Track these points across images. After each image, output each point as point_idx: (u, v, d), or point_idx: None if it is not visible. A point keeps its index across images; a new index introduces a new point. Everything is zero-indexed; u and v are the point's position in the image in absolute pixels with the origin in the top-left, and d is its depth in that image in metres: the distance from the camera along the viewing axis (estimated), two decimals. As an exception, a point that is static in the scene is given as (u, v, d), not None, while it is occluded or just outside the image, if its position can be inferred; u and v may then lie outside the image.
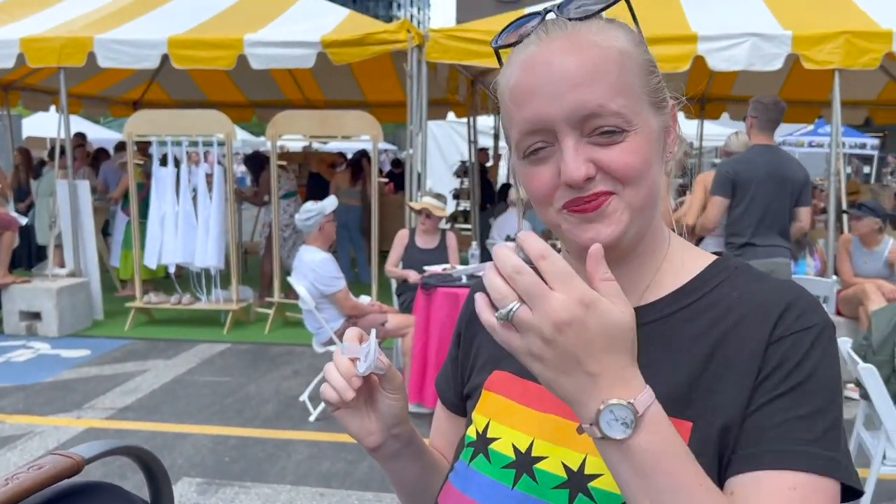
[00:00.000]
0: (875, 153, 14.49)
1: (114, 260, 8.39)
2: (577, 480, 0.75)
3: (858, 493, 0.70)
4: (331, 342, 4.57)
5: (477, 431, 0.83)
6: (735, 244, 4.32)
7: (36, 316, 6.49)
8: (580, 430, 0.63)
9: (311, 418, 4.50)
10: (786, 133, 14.73)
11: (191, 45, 6.33)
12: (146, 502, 0.91)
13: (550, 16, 0.76)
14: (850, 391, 4.53)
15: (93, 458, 0.82)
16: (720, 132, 11.82)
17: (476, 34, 5.86)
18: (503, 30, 0.78)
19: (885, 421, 2.80)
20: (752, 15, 6.09)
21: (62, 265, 7.20)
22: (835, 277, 5.36)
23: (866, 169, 16.09)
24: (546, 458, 0.77)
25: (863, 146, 14.42)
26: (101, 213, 8.67)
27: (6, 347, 6.13)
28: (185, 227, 6.64)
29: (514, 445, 0.79)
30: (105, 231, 9.02)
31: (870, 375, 2.80)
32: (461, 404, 0.93)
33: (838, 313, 5.28)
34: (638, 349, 0.64)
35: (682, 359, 0.75)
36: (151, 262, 6.73)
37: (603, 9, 0.75)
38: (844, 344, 3.17)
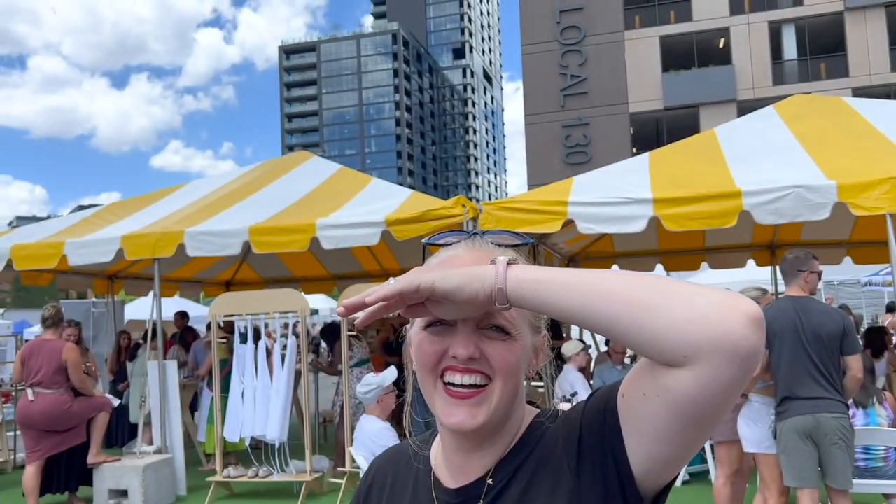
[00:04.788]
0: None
1: (200, 434, 8.75)
2: None
3: None
4: (392, 513, 4.61)
5: None
6: (779, 397, 4.22)
7: (123, 494, 6.78)
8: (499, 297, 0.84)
9: None
10: (871, 273, 14.31)
11: (269, 231, 6.96)
12: None
13: (476, 237, 1.01)
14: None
15: None
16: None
17: (525, 204, 6.24)
18: (437, 235, 1.02)
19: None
20: (795, 168, 6.26)
21: (151, 442, 7.58)
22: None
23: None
24: None
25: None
26: (190, 389, 9.17)
27: (94, 526, 6.39)
28: (262, 400, 6.96)
29: None
30: (193, 406, 9.48)
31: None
32: None
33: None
34: None
35: None
36: (232, 435, 7.01)
37: (515, 246, 1.00)
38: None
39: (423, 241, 1.04)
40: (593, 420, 0.90)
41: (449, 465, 1.01)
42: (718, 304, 0.75)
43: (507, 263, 0.85)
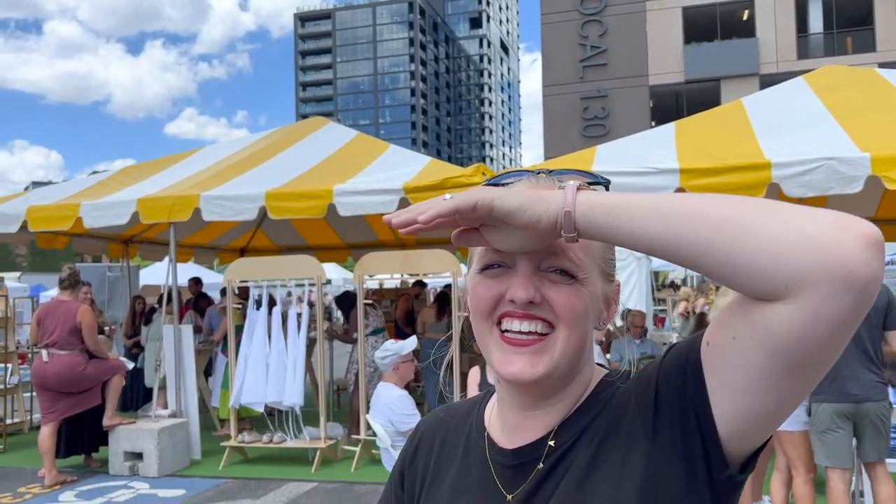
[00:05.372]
0: None
1: (214, 400, 8.76)
2: None
3: None
4: (408, 481, 4.57)
5: None
6: (827, 380, 4.09)
7: (138, 456, 6.80)
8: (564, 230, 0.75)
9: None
10: (894, 252, 14.05)
11: (285, 197, 6.86)
12: None
13: (541, 175, 0.88)
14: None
15: None
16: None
17: (547, 173, 6.09)
18: (500, 175, 0.89)
19: None
20: (827, 140, 6.08)
21: (166, 406, 7.59)
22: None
23: None
24: None
25: None
26: (205, 354, 9.16)
27: (109, 488, 6.42)
28: (278, 366, 6.92)
29: None
30: (207, 372, 9.49)
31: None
32: None
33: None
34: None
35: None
36: (234, 400, 7.00)
37: (586, 184, 0.84)
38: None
39: (483, 183, 0.92)
40: (672, 374, 0.79)
41: (505, 426, 0.92)
42: (829, 225, 0.63)
43: (577, 188, 0.76)
